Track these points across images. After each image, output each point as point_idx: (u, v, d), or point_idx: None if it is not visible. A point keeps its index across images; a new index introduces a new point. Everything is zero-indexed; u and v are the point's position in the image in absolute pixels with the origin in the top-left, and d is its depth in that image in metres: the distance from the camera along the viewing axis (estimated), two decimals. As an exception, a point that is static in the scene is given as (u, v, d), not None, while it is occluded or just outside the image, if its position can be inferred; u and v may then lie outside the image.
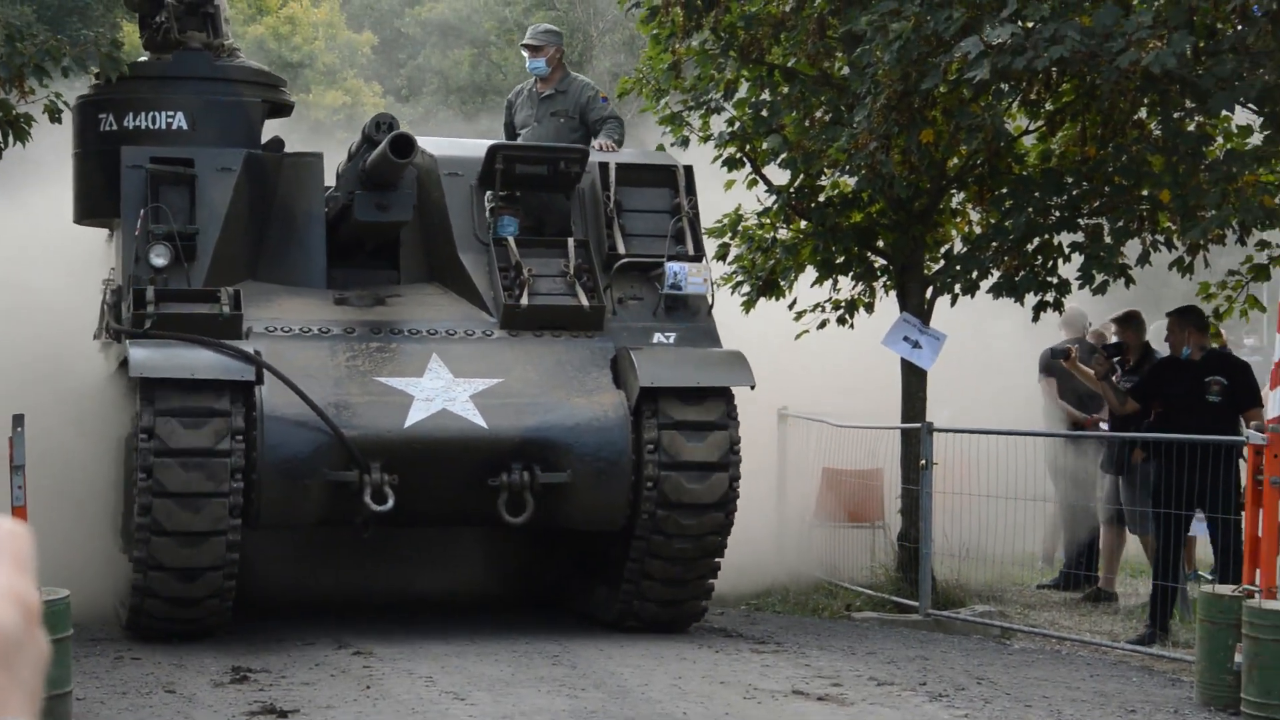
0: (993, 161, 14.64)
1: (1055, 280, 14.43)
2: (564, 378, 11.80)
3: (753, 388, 11.88)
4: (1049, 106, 14.71)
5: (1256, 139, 13.54)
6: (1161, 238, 14.03)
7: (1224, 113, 13.27)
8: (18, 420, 10.33)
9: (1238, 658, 10.41)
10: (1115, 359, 13.75)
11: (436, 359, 11.57)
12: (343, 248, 12.73)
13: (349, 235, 12.63)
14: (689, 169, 13.11)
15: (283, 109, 13.84)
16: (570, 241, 12.49)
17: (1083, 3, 13.16)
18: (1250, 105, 13.02)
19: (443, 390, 11.37)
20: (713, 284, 12.74)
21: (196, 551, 10.87)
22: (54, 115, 12.66)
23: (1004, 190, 14.60)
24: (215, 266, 11.97)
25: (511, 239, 12.39)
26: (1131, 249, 14.12)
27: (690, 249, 12.72)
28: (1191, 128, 13.46)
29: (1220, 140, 13.74)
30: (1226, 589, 10.73)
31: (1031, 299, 14.44)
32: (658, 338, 12.24)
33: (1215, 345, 13.90)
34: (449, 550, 14.28)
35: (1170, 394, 13.23)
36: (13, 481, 10.05)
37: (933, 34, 13.23)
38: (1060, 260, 14.47)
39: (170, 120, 12.70)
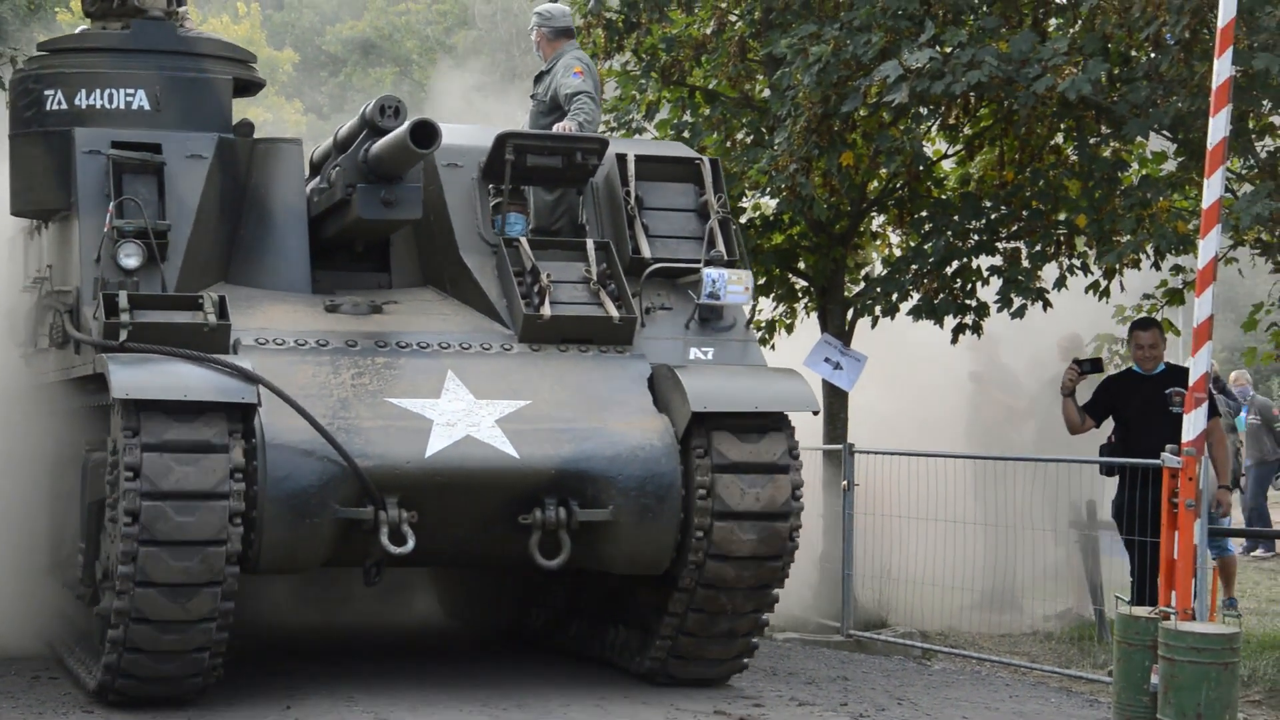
0: (912, 185, 14.78)
1: (974, 303, 14.55)
2: (598, 399, 10.26)
3: (816, 413, 10.70)
4: (967, 131, 14.82)
5: (1170, 165, 13.72)
6: (1078, 262, 14.16)
7: (1138, 139, 13.43)
8: None
9: (1154, 679, 10.51)
10: (1084, 374, 13.24)
11: (453, 377, 10.07)
12: (326, 247, 11.17)
13: (342, 234, 11.03)
14: (715, 162, 11.59)
15: (249, 87, 12.21)
16: (590, 243, 10.94)
17: (999, 29, 13.32)
18: (1164, 132, 13.16)
19: (464, 414, 9.84)
20: (754, 293, 11.58)
21: (188, 604, 9.23)
22: None
23: (923, 213, 14.72)
24: (187, 268, 10.44)
25: (523, 239, 10.83)
26: (1049, 273, 14.25)
27: (725, 253, 11.07)
28: (1107, 154, 13.61)
29: (1135, 166, 13.90)
30: (1143, 611, 10.83)
31: (951, 321, 14.56)
32: (694, 353, 10.76)
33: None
34: (405, 580, 13.49)
35: (1129, 408, 12.83)
36: None
37: (852, 58, 13.33)
38: (979, 283, 14.56)
39: (130, 99, 11.05)
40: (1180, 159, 13.36)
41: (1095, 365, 13.48)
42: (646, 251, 10.98)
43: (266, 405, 9.38)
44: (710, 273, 10.70)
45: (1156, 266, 13.83)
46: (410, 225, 10.99)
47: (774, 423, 10.24)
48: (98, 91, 10.98)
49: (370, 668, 11.42)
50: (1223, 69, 10.78)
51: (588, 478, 9.86)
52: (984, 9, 13.53)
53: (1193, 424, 10.96)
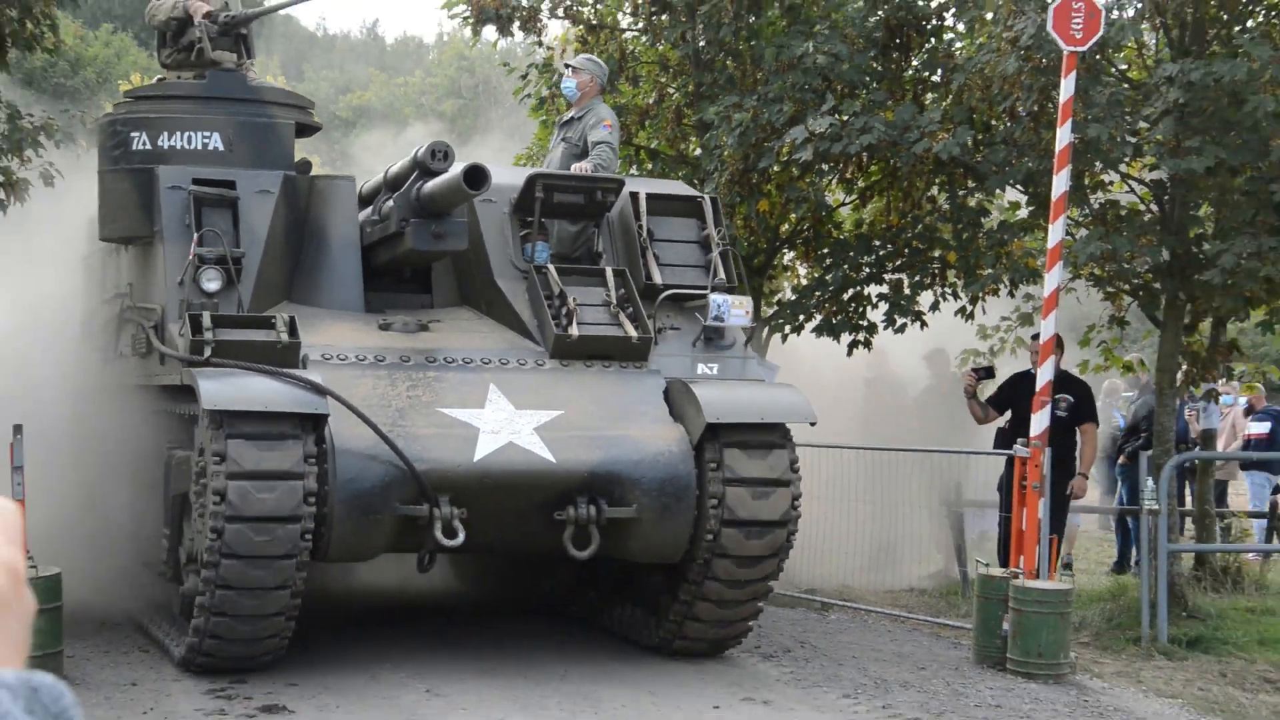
0: (816, 227, 14.85)
1: (865, 323, 14.67)
2: (621, 410, 9.80)
3: (813, 424, 10.00)
4: (861, 183, 14.90)
5: (1023, 213, 13.83)
6: (949, 290, 14.30)
7: (997, 191, 13.57)
8: (17, 429, 9.30)
9: (1005, 625, 10.69)
10: (981, 379, 13.13)
11: (495, 389, 9.60)
12: (376, 271, 10.67)
13: (394, 261, 10.58)
14: (714, 200, 11.14)
15: (308, 129, 11.77)
16: (609, 271, 10.44)
17: (886, 101, 13.46)
18: (1018, 186, 13.26)
19: (506, 422, 9.40)
20: (753, 316, 10.90)
21: (267, 573, 8.82)
22: (48, 180, 11.90)
23: (825, 250, 14.79)
24: (257, 289, 10.02)
25: (552, 267, 10.37)
26: (925, 298, 14.40)
27: (727, 280, 10.65)
28: (972, 203, 13.68)
29: (995, 213, 14.00)
30: (998, 571, 10.98)
31: (847, 337, 14.69)
32: (701, 368, 10.30)
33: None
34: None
35: (1023, 404, 12.10)
36: (13, 480, 9.20)
37: (767, 123, 13.45)
38: (869, 307, 14.66)
39: (206, 140, 10.65)
40: (1030, 208, 13.41)
41: (989, 372, 13.31)
42: (658, 278, 10.59)
43: (335, 415, 9.01)
44: (716, 298, 10.34)
45: (1011, 294, 13.94)
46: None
47: (779, 440, 9.84)
48: (178, 134, 10.63)
49: (389, 632, 11.12)
50: (1063, 136, 10.98)
51: (615, 480, 9.46)
52: (874, 85, 13.64)
53: (1039, 422, 11.14)
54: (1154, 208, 13.10)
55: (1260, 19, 13.02)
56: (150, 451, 10.62)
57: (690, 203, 11.03)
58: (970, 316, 14.29)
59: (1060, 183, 10.99)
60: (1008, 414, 13.05)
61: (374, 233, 10.47)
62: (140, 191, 10.49)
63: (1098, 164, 12.73)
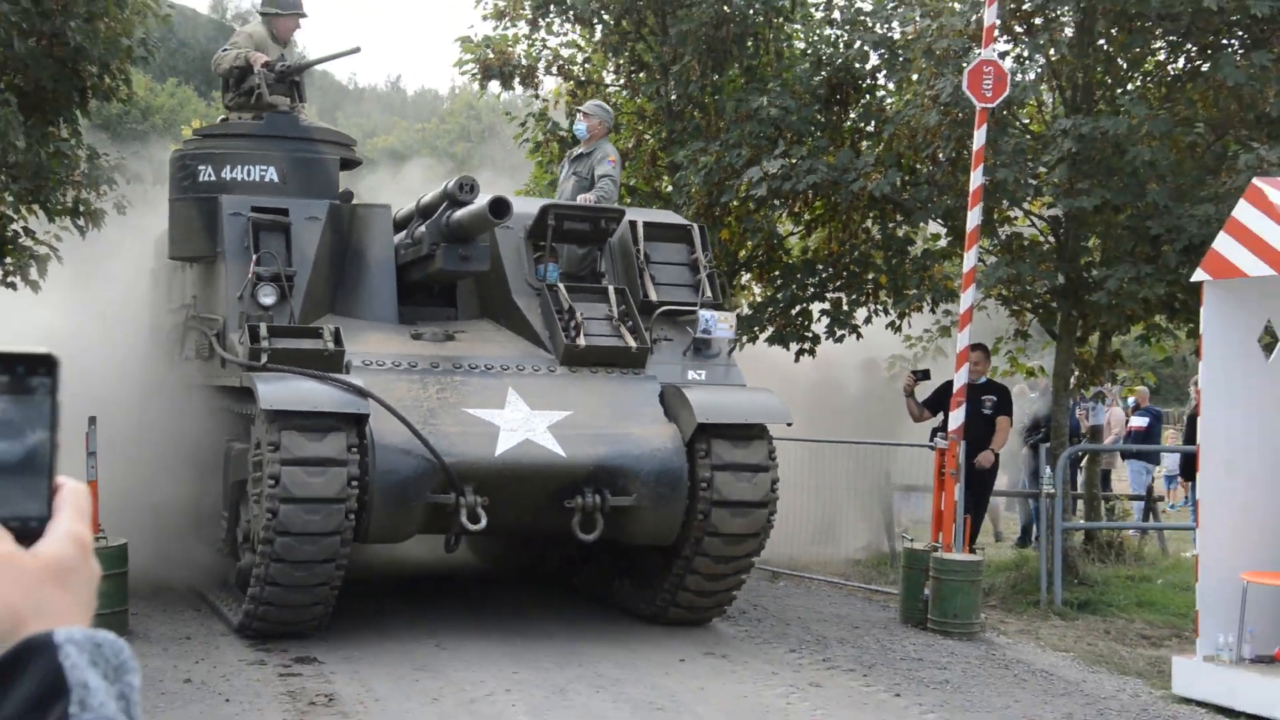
0: (769, 253, 14.90)
1: (810, 334, 14.72)
2: (623, 411, 9.59)
3: (790, 424, 9.82)
4: (807, 216, 14.94)
5: (943, 242, 13.91)
6: (881, 307, 14.33)
7: (921, 224, 13.63)
8: (91, 421, 9.26)
9: (926, 591, 10.72)
10: (919, 380, 12.71)
11: (513, 392, 9.40)
12: (409, 288, 10.46)
13: (425, 279, 10.38)
14: (702, 228, 10.95)
15: (350, 163, 11.50)
16: (611, 289, 10.24)
17: (828, 147, 13.50)
18: (939, 219, 13.37)
19: (523, 421, 9.21)
20: (737, 329, 10.62)
21: (316, 548, 8.65)
22: (120, 209, 12.03)
23: (776, 273, 14.83)
24: (306, 303, 9.85)
25: (562, 286, 10.16)
26: (860, 314, 14.44)
27: (714, 298, 10.52)
28: (900, 234, 13.74)
29: (919, 243, 14.03)
30: (920, 545, 10.99)
31: (794, 347, 14.73)
32: (691, 375, 10.08)
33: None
34: None
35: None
36: (87, 464, 9.49)
37: (728, 165, 13.49)
38: (813, 321, 14.72)
39: (264, 174, 10.55)
40: (949, 238, 13.49)
41: (925, 375, 12.93)
42: (654, 296, 10.42)
43: (374, 414, 8.83)
44: (705, 314, 10.19)
45: (933, 311, 13.96)
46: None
47: (758, 432, 9.66)
48: (239, 167, 10.56)
49: (410, 598, 10.99)
50: (976, 178, 11.01)
51: (618, 472, 9.26)
52: (818, 133, 13.68)
53: (955, 419, 11.16)
54: (1051, 239, 13.15)
55: (1138, 83, 13.11)
56: (210, 443, 10.51)
57: (681, 230, 10.89)
58: (898, 329, 14.32)
59: (973, 217, 11.03)
60: (940, 415, 12.91)
61: (408, 254, 10.34)
62: (205, 217, 10.40)
63: (1005, 202, 12.79)
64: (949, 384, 11.66)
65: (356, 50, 11.30)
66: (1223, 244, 8.97)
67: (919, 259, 13.47)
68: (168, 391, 11.20)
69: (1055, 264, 12.81)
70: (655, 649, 9.48)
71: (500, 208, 9.29)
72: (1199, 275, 9.14)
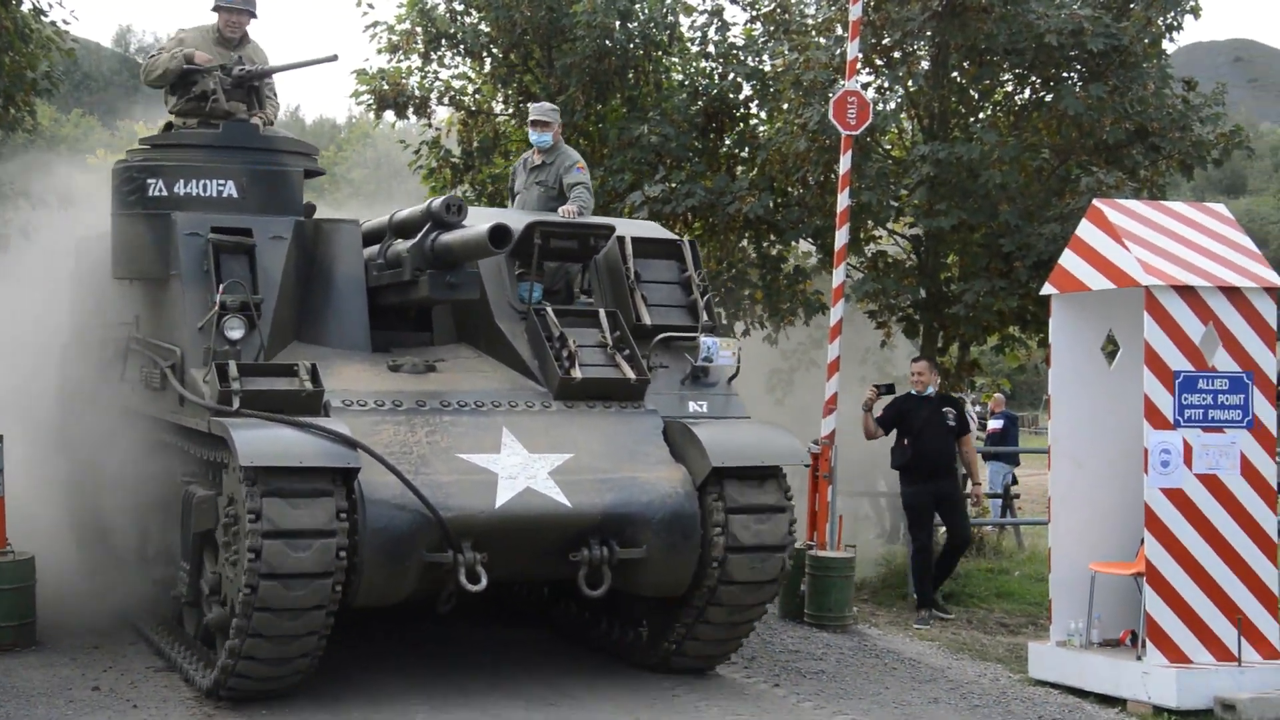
0: (652, 272, 14.90)
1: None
2: (626, 451, 8.26)
3: (807, 465, 8.75)
4: (686, 237, 14.98)
5: (814, 260, 14.07)
6: (757, 321, 14.39)
7: (793, 243, 13.76)
8: None
9: (803, 587, 10.81)
10: (881, 394, 11.60)
11: (508, 434, 8.10)
12: (379, 310, 9.04)
13: (404, 304, 9.00)
14: (693, 243, 9.54)
15: (314, 174, 9.95)
16: (602, 312, 8.88)
17: (706, 172, 13.58)
18: (809, 239, 13.51)
19: (522, 467, 7.92)
20: (739, 356, 9.15)
21: (299, 622, 7.38)
22: (25, 234, 11.39)
23: (661, 290, 14.84)
24: (273, 332, 8.46)
25: (550, 309, 8.80)
26: (738, 328, 14.51)
27: (711, 321, 9.17)
28: (774, 252, 13.83)
29: (791, 260, 14.14)
30: (797, 544, 11.01)
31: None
32: (692, 407, 8.74)
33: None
34: None
35: (914, 421, 11.19)
36: None
37: (612, 189, 13.50)
38: (694, 335, 14.67)
39: (221, 188, 9.05)
40: (820, 256, 13.63)
41: (890, 389, 11.85)
42: (647, 319, 8.98)
43: (363, 465, 7.54)
44: (707, 340, 8.85)
45: (805, 324, 14.04)
46: None
47: (772, 471, 8.36)
48: (194, 181, 9.04)
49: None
50: (843, 200, 11.16)
51: (626, 521, 7.97)
52: (695, 159, 13.75)
53: (826, 426, 11.27)
54: (913, 257, 13.38)
55: (989, 112, 13.41)
56: (158, 479, 9.08)
57: (670, 245, 9.50)
58: (774, 341, 14.42)
59: (841, 236, 11.18)
60: (893, 433, 11.73)
61: (381, 276, 8.97)
62: (156, 235, 8.94)
63: (870, 222, 12.98)
64: (902, 400, 11.38)
65: (334, 58, 9.81)
66: (1068, 260, 9.19)
67: (791, 276, 13.58)
68: (102, 412, 9.85)
69: (917, 279, 13.04)
70: (547, 652, 9.45)
71: (500, 236, 8.08)
72: (1047, 289, 9.36)
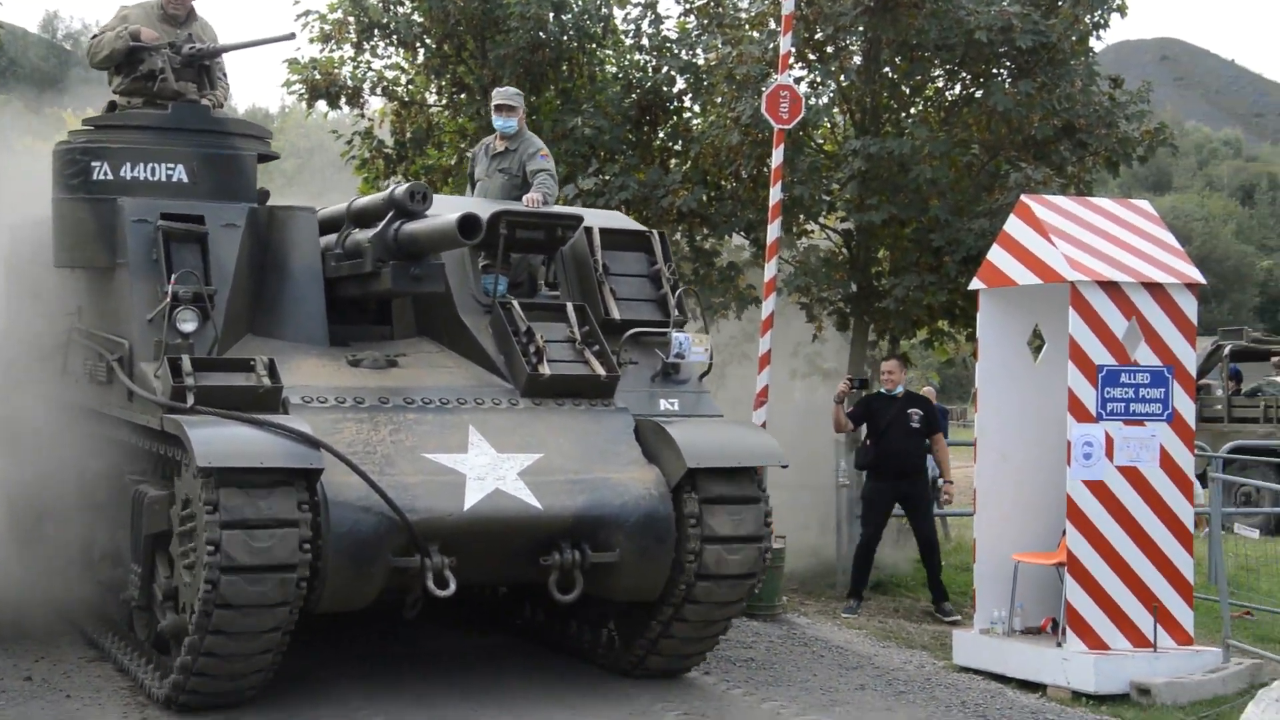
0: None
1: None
2: (597, 451, 7.93)
3: (784, 466, 8.23)
4: (657, 230, 14.98)
5: (746, 254, 14.18)
6: (691, 314, 14.40)
7: (726, 236, 13.86)
8: None
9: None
10: (854, 389, 11.61)
11: (475, 432, 7.75)
12: (337, 303, 8.63)
13: (364, 297, 8.67)
14: (662, 234, 9.26)
15: (268, 158, 9.39)
16: (569, 306, 8.52)
17: (639, 165, 13.66)
18: (742, 232, 13.62)
19: (491, 468, 7.57)
20: (711, 352, 8.88)
21: (262, 620, 6.98)
22: None
23: (591, 282, 14.89)
24: (226, 324, 8.03)
25: (516, 303, 8.41)
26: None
27: (683, 315, 8.91)
28: (707, 246, 13.94)
29: (724, 254, 14.24)
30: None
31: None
32: (663, 404, 8.43)
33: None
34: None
35: (880, 420, 11.24)
36: None
37: (545, 182, 13.54)
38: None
39: (170, 172, 8.55)
40: (753, 250, 13.75)
41: (864, 383, 11.92)
42: (615, 314, 8.65)
43: (325, 463, 7.15)
44: (679, 336, 8.59)
45: (738, 318, 14.17)
46: None
47: (748, 469, 8.08)
48: (141, 165, 8.54)
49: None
50: (775, 195, 11.23)
51: (599, 524, 7.64)
52: (629, 152, 13.82)
53: (757, 418, 11.33)
54: (844, 251, 13.53)
55: (920, 108, 13.58)
56: (103, 477, 8.72)
57: (639, 237, 9.18)
58: (707, 333, 14.47)
59: (773, 230, 11.27)
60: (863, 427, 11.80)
61: (340, 267, 8.58)
62: (100, 222, 8.44)
63: (802, 216, 13.12)
64: (872, 397, 11.44)
65: (291, 36, 9.37)
66: (996, 255, 9.36)
67: (724, 269, 13.68)
68: (41, 406, 9.36)
69: (848, 274, 13.20)
70: (509, 657, 9.43)
71: (470, 226, 7.71)
72: (975, 284, 9.52)
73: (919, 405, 11.40)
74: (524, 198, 9.46)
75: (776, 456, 8.13)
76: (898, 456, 11.14)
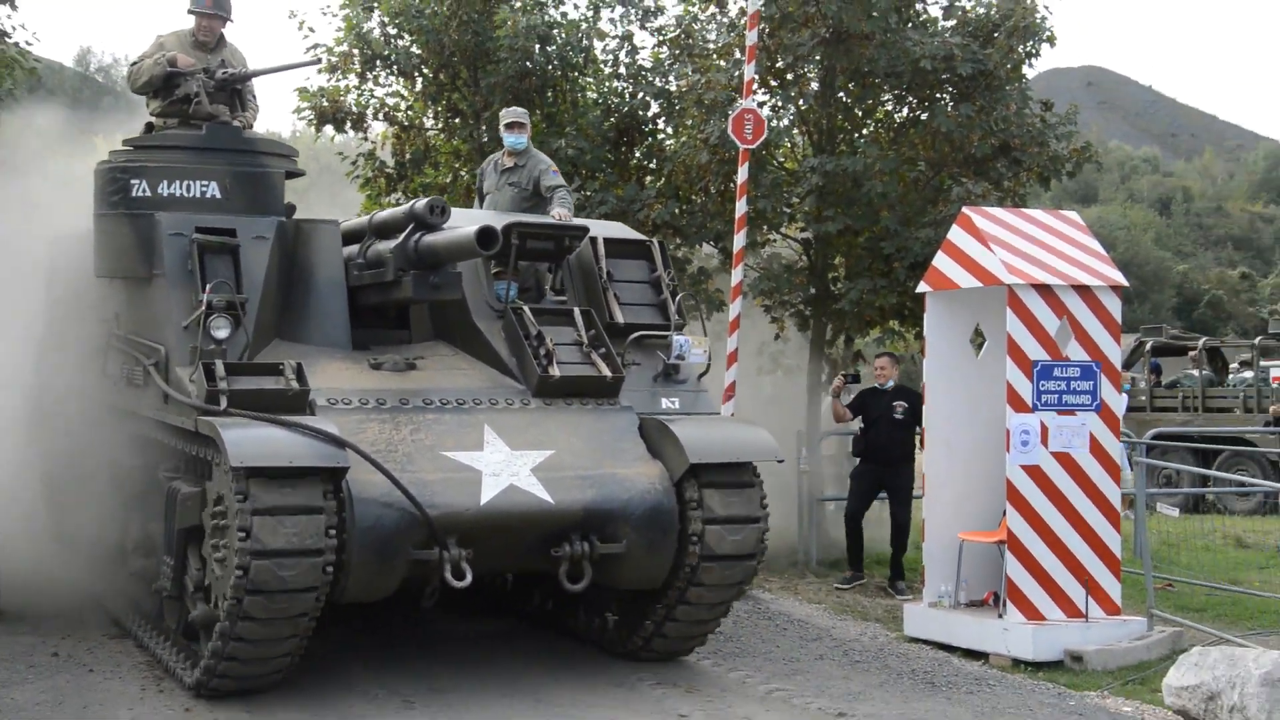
0: (568, 272, 14.84)
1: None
2: (604, 448, 7.75)
3: (780, 461, 8.04)
4: (656, 239, 14.85)
5: (715, 261, 14.09)
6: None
7: (697, 245, 13.77)
8: None
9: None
10: (848, 383, 11.60)
11: (490, 431, 7.58)
12: (358, 309, 8.44)
13: (384, 304, 8.43)
14: (661, 243, 9.09)
15: (294, 174, 9.21)
16: (576, 311, 8.36)
17: (617, 181, 13.55)
18: (711, 242, 13.52)
19: (505, 464, 7.41)
20: (709, 353, 8.69)
21: (291, 604, 6.79)
22: None
23: (575, 289, 14.79)
24: (256, 331, 7.88)
25: (526, 308, 8.25)
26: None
27: (682, 319, 8.71)
28: (680, 254, 13.83)
29: (695, 262, 14.15)
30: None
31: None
32: (665, 403, 8.25)
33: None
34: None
35: (872, 412, 11.21)
36: None
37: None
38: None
39: (205, 189, 8.44)
40: (721, 258, 13.63)
41: (855, 378, 11.82)
42: (619, 318, 8.51)
43: (350, 461, 6.99)
44: (679, 338, 8.41)
45: (708, 318, 14.06)
46: None
47: (747, 464, 7.89)
48: (178, 182, 8.44)
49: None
50: (741, 207, 11.16)
51: (607, 517, 7.45)
52: (608, 170, 13.72)
53: (725, 411, 11.25)
54: (804, 258, 13.44)
55: (871, 129, 13.51)
56: (138, 473, 8.49)
57: (640, 246, 9.01)
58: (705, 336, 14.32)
59: (739, 240, 11.18)
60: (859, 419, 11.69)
61: (362, 276, 8.38)
62: (140, 235, 8.31)
63: (765, 227, 13.02)
64: (867, 392, 11.32)
65: (317, 61, 9.12)
66: (940, 262, 9.29)
67: (696, 276, 13.58)
68: (81, 406, 9.17)
69: (807, 279, 13.11)
70: (521, 643, 9.16)
71: (488, 238, 7.52)
72: (922, 287, 9.45)
73: (905, 398, 11.24)
74: (551, 212, 9.22)
75: (773, 452, 7.91)
76: (885, 446, 11.12)
